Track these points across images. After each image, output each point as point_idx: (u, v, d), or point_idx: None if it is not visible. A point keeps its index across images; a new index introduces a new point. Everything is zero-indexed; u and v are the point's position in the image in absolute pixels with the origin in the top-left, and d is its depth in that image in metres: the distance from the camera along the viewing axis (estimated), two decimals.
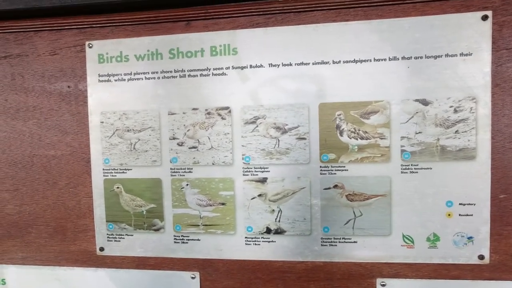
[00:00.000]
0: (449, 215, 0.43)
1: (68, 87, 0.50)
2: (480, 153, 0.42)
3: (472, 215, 0.43)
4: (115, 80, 0.48)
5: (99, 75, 0.49)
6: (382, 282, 0.45)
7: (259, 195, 0.47)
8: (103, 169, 0.50)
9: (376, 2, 0.43)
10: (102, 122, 0.49)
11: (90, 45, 0.49)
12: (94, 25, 0.49)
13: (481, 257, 0.43)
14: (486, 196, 0.43)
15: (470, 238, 0.43)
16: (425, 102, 0.43)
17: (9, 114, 0.52)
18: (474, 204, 0.43)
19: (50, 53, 0.50)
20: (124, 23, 0.48)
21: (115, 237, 0.50)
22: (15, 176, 0.52)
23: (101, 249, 0.51)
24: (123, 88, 0.48)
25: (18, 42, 0.51)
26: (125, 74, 0.48)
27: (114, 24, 0.49)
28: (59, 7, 0.48)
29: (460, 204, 0.43)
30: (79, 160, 0.50)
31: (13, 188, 0.52)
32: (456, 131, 0.42)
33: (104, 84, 0.49)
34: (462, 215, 0.43)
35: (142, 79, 0.48)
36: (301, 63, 0.45)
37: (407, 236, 0.45)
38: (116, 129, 0.49)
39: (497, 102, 0.42)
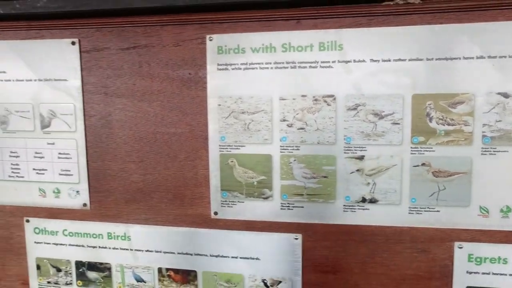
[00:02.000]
0: None
1: (189, 74, 0.79)
2: None
3: None
4: (232, 69, 0.77)
5: (218, 64, 0.77)
6: (460, 245, 0.74)
7: (357, 170, 0.75)
8: (219, 145, 0.79)
9: (467, 7, 0.68)
10: (220, 105, 0.78)
11: (211, 38, 0.77)
12: (214, 21, 0.77)
13: None
14: None
15: None
16: (506, 95, 0.69)
17: (136, 96, 0.81)
18: None
19: (174, 44, 0.79)
20: (241, 20, 0.76)
21: (228, 203, 0.81)
22: (141, 150, 0.83)
23: (215, 213, 0.81)
24: (239, 76, 0.77)
25: (146, 34, 0.79)
26: (241, 64, 0.77)
27: (232, 21, 0.76)
28: (184, 6, 0.75)
29: None
30: (197, 137, 0.80)
31: (138, 160, 0.83)
32: None
33: (222, 72, 0.77)
34: None
35: (256, 68, 0.76)
36: (398, 59, 0.71)
37: (483, 208, 0.72)
38: (232, 111, 0.78)
39: None
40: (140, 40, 0.81)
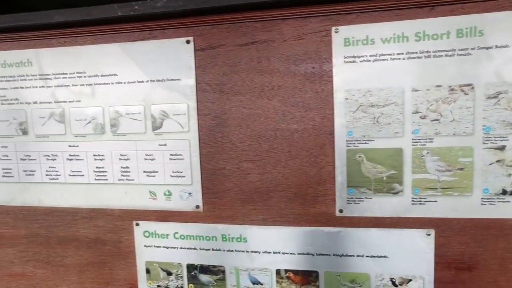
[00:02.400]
0: None
1: (313, 68, 0.74)
2: None
3: None
4: (361, 61, 0.72)
5: (345, 57, 0.73)
6: None
7: (497, 161, 0.70)
8: (346, 141, 0.75)
9: None
10: (347, 99, 0.73)
11: (336, 30, 0.72)
12: (340, 13, 0.72)
13: None
14: None
15: None
16: None
17: (254, 93, 0.77)
18: None
19: (296, 38, 0.75)
20: (369, 10, 0.71)
21: (354, 200, 0.76)
22: (259, 148, 0.79)
23: (340, 210, 0.77)
24: (368, 68, 0.72)
25: (265, 29, 0.75)
26: (370, 56, 0.72)
27: (360, 11, 0.72)
28: None
29: None
30: (322, 133, 0.76)
31: (256, 159, 0.79)
32: None
33: (349, 64, 0.73)
34: None
35: (387, 59, 0.71)
36: None
37: None
38: (360, 105, 0.73)
39: None
40: (259, 35, 0.77)
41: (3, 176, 0.94)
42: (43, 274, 0.97)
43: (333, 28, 0.74)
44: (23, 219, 0.95)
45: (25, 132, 0.91)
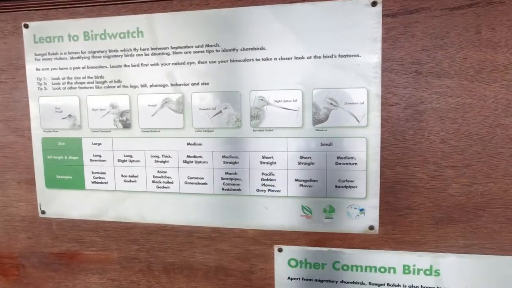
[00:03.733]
0: None
1: None
2: None
3: None
4: None
5: None
6: None
7: None
8: None
9: None
10: None
11: None
12: None
13: None
14: None
15: None
16: None
17: (467, 75, 0.54)
18: None
19: None
20: None
21: None
22: (468, 150, 0.55)
23: None
24: None
25: None
26: None
27: None
28: None
29: None
30: None
31: (462, 165, 0.55)
32: None
33: None
34: None
35: None
36: None
37: None
38: None
39: None
40: None
41: (93, 183, 0.68)
42: None
43: None
44: (117, 238, 0.69)
45: (126, 125, 0.65)
